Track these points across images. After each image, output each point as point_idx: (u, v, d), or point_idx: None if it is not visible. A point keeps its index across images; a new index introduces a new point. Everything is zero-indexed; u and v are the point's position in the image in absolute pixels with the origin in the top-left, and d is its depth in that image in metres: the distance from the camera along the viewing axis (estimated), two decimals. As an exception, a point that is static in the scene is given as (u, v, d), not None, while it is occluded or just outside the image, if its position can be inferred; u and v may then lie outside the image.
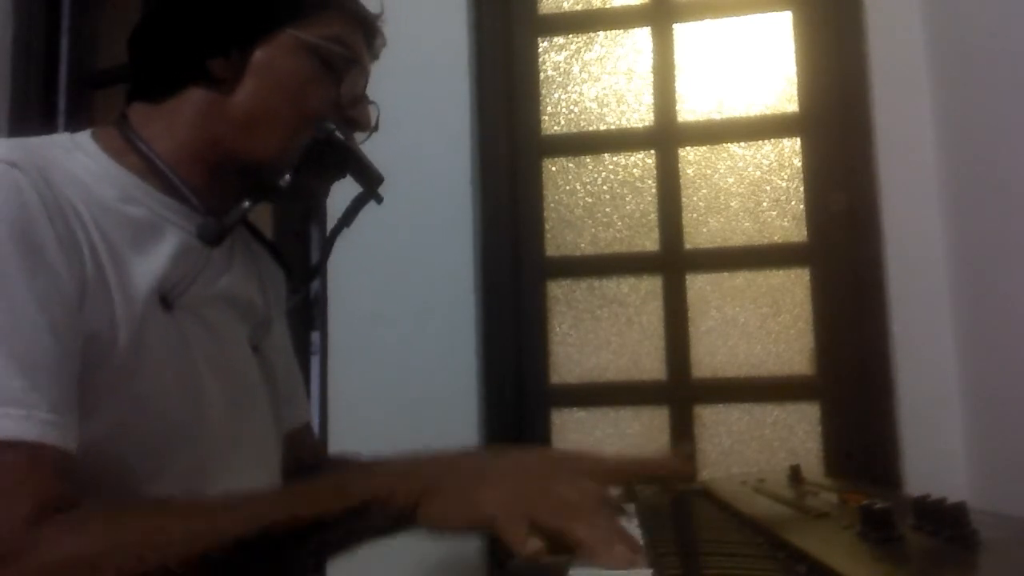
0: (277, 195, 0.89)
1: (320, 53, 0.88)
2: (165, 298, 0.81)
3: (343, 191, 0.94)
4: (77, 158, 0.83)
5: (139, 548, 0.65)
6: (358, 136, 0.94)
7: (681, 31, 1.99)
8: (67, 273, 0.73)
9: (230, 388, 0.88)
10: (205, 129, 0.87)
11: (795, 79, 1.91)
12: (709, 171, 1.94)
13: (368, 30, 0.93)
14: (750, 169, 1.93)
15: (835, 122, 1.86)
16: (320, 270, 1.01)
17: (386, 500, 0.68)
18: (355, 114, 0.91)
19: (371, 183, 0.93)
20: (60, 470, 0.69)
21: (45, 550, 0.64)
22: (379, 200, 0.94)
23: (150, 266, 0.81)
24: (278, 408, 0.98)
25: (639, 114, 2.00)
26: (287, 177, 0.86)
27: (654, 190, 1.96)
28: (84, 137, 0.86)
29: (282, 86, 0.87)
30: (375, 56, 0.96)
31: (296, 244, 2.08)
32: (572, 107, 2.03)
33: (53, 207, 0.74)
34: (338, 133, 0.88)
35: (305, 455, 1.08)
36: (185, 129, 0.87)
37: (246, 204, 0.87)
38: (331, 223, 0.95)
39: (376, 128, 0.95)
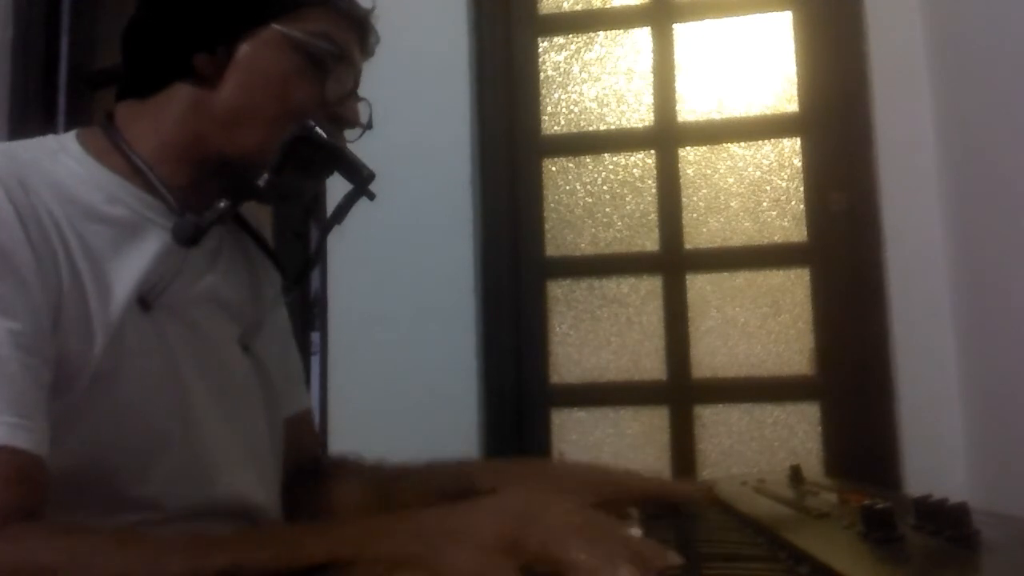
0: (258, 194, 0.87)
1: (306, 49, 0.86)
2: (144, 299, 0.80)
3: (344, 189, 0.94)
4: (61, 161, 0.82)
5: (72, 574, 0.62)
6: (351, 133, 0.92)
7: (681, 31, 1.99)
8: (39, 282, 0.72)
9: (216, 388, 0.87)
10: (189, 126, 0.86)
11: (795, 79, 1.92)
12: (709, 171, 1.94)
13: (360, 27, 0.92)
14: (750, 169, 1.93)
15: (835, 122, 1.86)
16: (313, 267, 0.99)
17: (345, 564, 0.61)
18: (342, 111, 0.89)
19: (360, 180, 0.90)
20: (25, 475, 0.67)
21: None
22: (371, 196, 0.92)
23: (130, 268, 0.80)
24: (273, 407, 0.97)
25: (639, 114, 2.00)
26: (265, 176, 0.85)
27: (654, 190, 1.96)
28: (69, 139, 0.85)
29: (266, 82, 0.85)
30: (370, 53, 0.94)
31: (296, 244, 2.08)
32: (572, 107, 2.03)
33: (29, 216, 0.74)
34: (319, 130, 0.86)
35: (302, 444, 1.07)
36: (170, 126, 0.86)
37: (222, 204, 0.86)
38: (331, 222, 0.95)
39: (370, 126, 0.93)
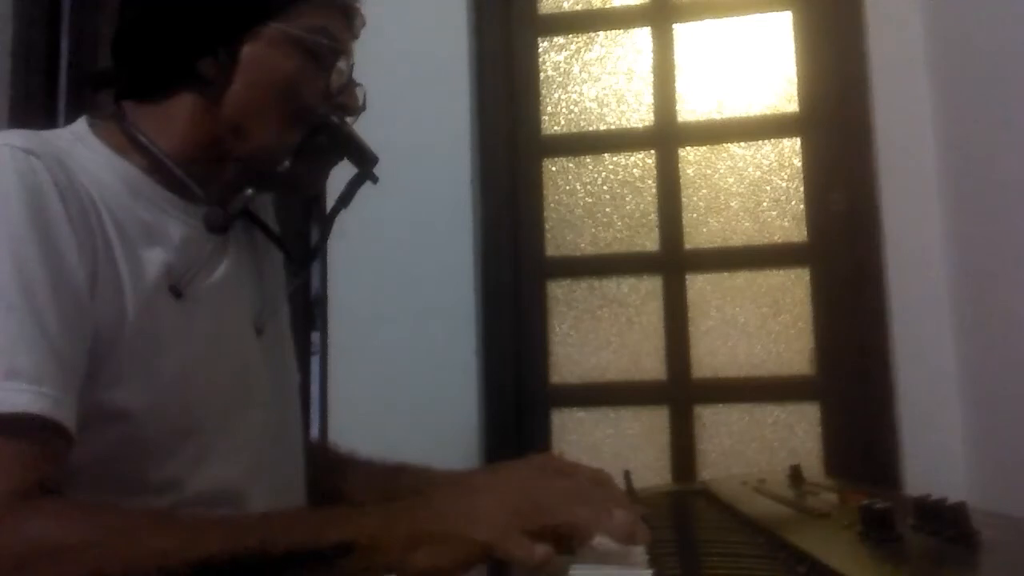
0: (277, 183, 0.90)
1: (306, 45, 0.88)
2: (174, 287, 0.83)
3: (344, 177, 0.95)
4: (81, 151, 0.84)
5: (108, 551, 0.64)
6: (348, 119, 0.94)
7: (681, 31, 1.99)
8: (78, 258, 0.74)
9: (234, 376, 0.89)
10: (201, 129, 0.87)
11: (795, 79, 1.91)
12: (709, 171, 1.94)
13: (349, 13, 0.93)
14: (750, 169, 1.92)
15: (835, 122, 1.86)
16: (320, 251, 1.03)
17: (367, 547, 0.65)
18: (344, 100, 0.92)
19: (366, 164, 0.93)
20: (56, 450, 0.69)
21: (12, 533, 0.64)
22: (374, 180, 0.94)
23: (158, 257, 0.82)
24: (287, 391, 0.99)
25: (639, 114, 2.00)
26: (286, 164, 0.88)
27: (654, 190, 1.96)
28: (84, 132, 0.87)
29: (271, 82, 0.87)
30: (356, 35, 0.96)
31: (297, 244, 2.08)
32: (572, 107, 2.03)
33: (69, 193, 0.76)
34: (334, 119, 0.89)
35: None
36: (181, 130, 0.87)
37: (248, 192, 0.88)
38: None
39: (364, 107, 0.95)
